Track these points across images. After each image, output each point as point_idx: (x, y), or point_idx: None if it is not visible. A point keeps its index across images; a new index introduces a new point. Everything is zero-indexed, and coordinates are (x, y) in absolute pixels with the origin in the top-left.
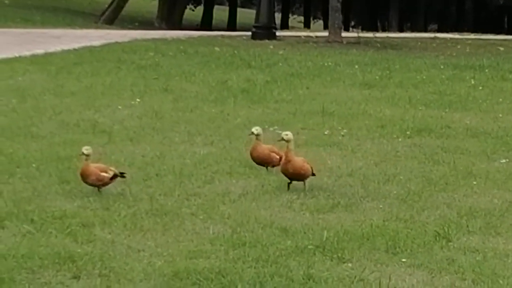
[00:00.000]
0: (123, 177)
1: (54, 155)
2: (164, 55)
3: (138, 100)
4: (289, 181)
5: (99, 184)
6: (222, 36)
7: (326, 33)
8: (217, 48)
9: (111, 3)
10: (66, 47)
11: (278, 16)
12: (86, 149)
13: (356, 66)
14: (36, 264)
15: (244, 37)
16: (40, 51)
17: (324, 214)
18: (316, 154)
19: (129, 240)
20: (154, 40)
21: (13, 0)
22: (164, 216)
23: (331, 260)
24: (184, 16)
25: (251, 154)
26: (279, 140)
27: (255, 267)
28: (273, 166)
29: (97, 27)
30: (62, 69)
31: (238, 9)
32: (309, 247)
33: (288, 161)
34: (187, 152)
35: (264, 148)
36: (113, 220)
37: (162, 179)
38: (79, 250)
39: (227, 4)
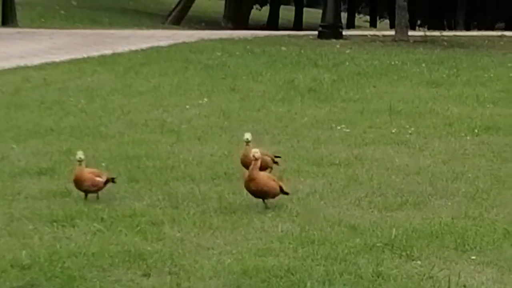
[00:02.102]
0: (114, 182)
1: (123, 154)
2: (231, 55)
3: (205, 99)
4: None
5: (94, 190)
6: (289, 35)
7: (392, 32)
8: (283, 48)
9: (178, 3)
10: (133, 48)
11: (344, 16)
12: (81, 154)
13: (423, 65)
14: (106, 262)
15: (311, 37)
16: (108, 51)
17: (392, 212)
18: (383, 152)
19: (198, 238)
20: (221, 40)
21: (81, 2)
22: (233, 214)
23: (400, 258)
24: (251, 16)
25: (243, 161)
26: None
27: (324, 265)
28: (266, 168)
29: (164, 28)
30: (130, 69)
31: (304, 9)
32: (378, 244)
33: (252, 179)
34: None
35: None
36: (182, 218)
37: (231, 177)
38: (149, 248)
39: (293, 3)
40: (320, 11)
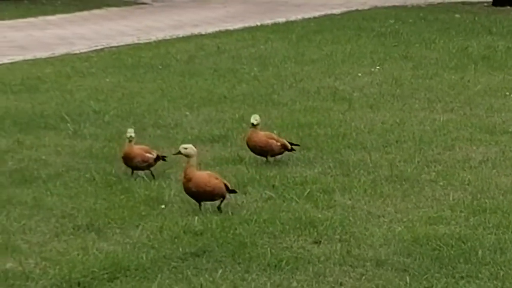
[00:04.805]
0: (164, 160)
1: (295, 122)
2: (404, 22)
3: (378, 67)
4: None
5: (144, 166)
6: (463, 2)
7: None
8: (457, 15)
9: None
10: (306, 16)
11: None
12: (130, 132)
13: None
14: (277, 229)
15: (485, 4)
16: (281, 19)
17: None
18: None
19: (369, 206)
20: (394, 7)
21: None
22: (404, 182)
23: None
24: None
25: (248, 143)
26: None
27: (495, 234)
28: (273, 155)
29: None
30: (303, 37)
31: None
32: None
33: (188, 179)
34: (427, 119)
35: (261, 135)
36: (353, 186)
37: (402, 145)
38: (319, 216)
39: None
40: None
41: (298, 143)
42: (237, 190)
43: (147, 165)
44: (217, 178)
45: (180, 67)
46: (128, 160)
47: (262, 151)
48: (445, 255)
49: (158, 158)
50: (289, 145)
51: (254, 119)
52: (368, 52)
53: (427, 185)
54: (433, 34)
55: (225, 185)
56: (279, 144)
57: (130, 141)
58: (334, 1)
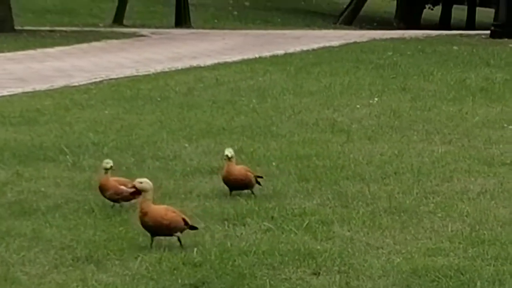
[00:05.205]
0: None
1: (293, 153)
2: (402, 54)
3: (376, 99)
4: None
5: (117, 198)
6: (461, 35)
7: None
8: (455, 47)
9: (349, 3)
10: (305, 48)
11: None
12: (107, 163)
13: None
14: (276, 260)
15: (483, 36)
16: (280, 51)
17: None
18: None
19: (367, 238)
20: (392, 39)
21: (253, 2)
22: (402, 214)
23: None
24: (422, 16)
25: (225, 178)
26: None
27: (494, 265)
28: (251, 187)
29: (335, 28)
30: (301, 69)
31: (477, 8)
32: None
33: (144, 213)
34: (425, 151)
35: (240, 168)
36: (351, 218)
37: (400, 177)
38: (318, 247)
39: (466, 3)
40: (493, 10)
41: (307, 174)
42: (199, 227)
43: (120, 197)
44: (174, 212)
45: (179, 99)
46: (102, 191)
47: (243, 184)
48: (444, 287)
49: (137, 192)
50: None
51: (229, 151)
52: (366, 84)
53: (425, 216)
54: (431, 66)
55: (184, 219)
56: (254, 176)
57: (106, 172)
58: (333, 33)
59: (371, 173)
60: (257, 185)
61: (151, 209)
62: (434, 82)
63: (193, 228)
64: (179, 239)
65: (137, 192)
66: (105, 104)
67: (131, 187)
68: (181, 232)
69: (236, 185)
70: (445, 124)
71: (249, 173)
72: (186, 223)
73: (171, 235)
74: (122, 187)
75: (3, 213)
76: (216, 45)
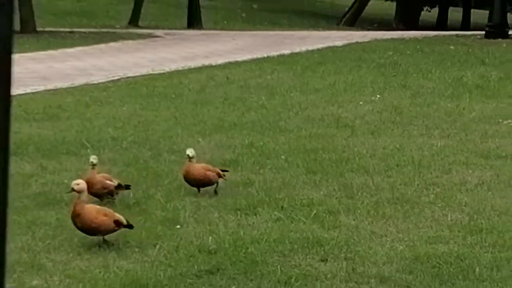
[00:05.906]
0: (129, 188)
1: (301, 147)
2: (402, 54)
3: (378, 96)
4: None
5: (104, 193)
6: (457, 35)
7: None
8: (452, 47)
9: (352, 6)
10: (310, 48)
11: (510, 16)
12: (94, 158)
13: None
14: (286, 248)
15: (478, 36)
16: (287, 51)
17: None
18: None
19: (372, 226)
20: (392, 40)
21: (261, 5)
22: (405, 204)
23: None
24: (420, 18)
25: (185, 177)
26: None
27: (491, 252)
28: (212, 184)
29: (339, 29)
30: (307, 68)
31: (472, 10)
32: None
33: (77, 214)
34: (425, 144)
35: (199, 167)
36: (357, 208)
37: (402, 169)
38: (326, 235)
39: (461, 5)
40: (487, 12)
41: (314, 167)
42: (134, 225)
43: (107, 192)
44: (106, 215)
45: (192, 96)
46: (89, 187)
47: (201, 183)
48: (444, 272)
49: (119, 186)
50: (221, 172)
51: (190, 151)
52: (368, 82)
53: (426, 206)
54: (429, 64)
55: (116, 221)
56: (214, 173)
57: (93, 168)
58: (336, 34)
59: (374, 166)
60: (221, 180)
61: (84, 211)
62: (432, 80)
63: (128, 226)
64: (103, 239)
65: (121, 186)
66: (123, 101)
67: (115, 183)
68: (113, 232)
69: (195, 183)
70: (443, 119)
71: (208, 172)
72: (118, 224)
73: (103, 235)
74: (108, 181)
75: (28, 204)
76: (227, 46)
